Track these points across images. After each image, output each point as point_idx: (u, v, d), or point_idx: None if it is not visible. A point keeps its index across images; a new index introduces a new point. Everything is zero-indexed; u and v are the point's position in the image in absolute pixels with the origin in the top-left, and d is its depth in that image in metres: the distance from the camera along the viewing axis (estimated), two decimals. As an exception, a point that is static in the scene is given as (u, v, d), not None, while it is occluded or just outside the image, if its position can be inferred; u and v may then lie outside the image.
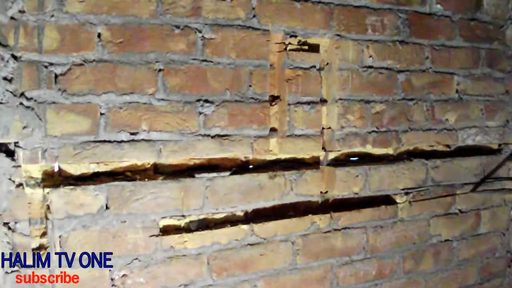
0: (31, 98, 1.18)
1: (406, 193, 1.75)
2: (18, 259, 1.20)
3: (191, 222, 1.41)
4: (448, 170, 1.84)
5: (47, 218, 1.23)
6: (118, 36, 1.27)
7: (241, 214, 1.49)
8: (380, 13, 1.64)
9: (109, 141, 1.27)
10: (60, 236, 1.24)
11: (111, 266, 1.29)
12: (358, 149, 1.66)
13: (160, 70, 1.32)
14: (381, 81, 1.66)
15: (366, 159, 1.70)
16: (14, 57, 1.16)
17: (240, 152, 1.45)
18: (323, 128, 1.59)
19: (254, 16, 1.44)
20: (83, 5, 1.22)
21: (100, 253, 1.28)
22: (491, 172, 1.93)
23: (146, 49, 1.30)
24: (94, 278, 1.28)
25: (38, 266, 1.22)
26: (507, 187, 2.00)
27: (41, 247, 1.23)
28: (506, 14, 1.94)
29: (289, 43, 1.52)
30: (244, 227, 1.46)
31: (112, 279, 1.30)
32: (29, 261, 1.21)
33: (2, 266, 1.20)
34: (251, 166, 1.51)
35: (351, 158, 1.68)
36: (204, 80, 1.38)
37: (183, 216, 1.39)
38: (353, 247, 1.66)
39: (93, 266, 1.27)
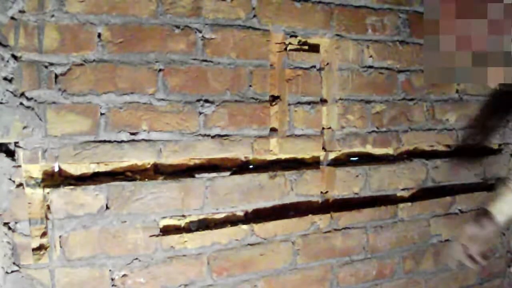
0: (31, 98, 1.18)
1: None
2: (18, 259, 1.20)
3: (191, 222, 1.41)
4: (448, 170, 1.84)
5: (47, 218, 1.23)
6: (118, 36, 1.27)
7: (241, 214, 1.49)
8: (380, 13, 1.64)
9: (109, 141, 1.27)
10: (60, 236, 1.24)
11: (111, 266, 1.30)
12: (358, 149, 1.66)
13: (160, 70, 1.32)
14: (381, 81, 1.66)
15: (366, 159, 1.70)
16: (14, 57, 1.16)
17: (240, 152, 1.45)
18: (323, 128, 1.59)
19: (254, 16, 1.44)
20: (83, 5, 1.22)
21: (100, 253, 1.28)
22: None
23: (146, 49, 1.30)
24: (94, 278, 1.28)
25: (38, 266, 1.22)
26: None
27: (41, 247, 1.23)
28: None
29: (289, 43, 1.52)
30: (244, 227, 1.46)
31: (112, 279, 1.30)
32: (29, 261, 1.21)
33: (2, 266, 1.20)
34: (251, 166, 1.51)
35: (351, 158, 1.68)
36: (204, 80, 1.38)
37: (183, 216, 1.39)
38: (353, 247, 1.66)
39: (93, 266, 1.28)
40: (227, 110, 1.41)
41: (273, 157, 1.54)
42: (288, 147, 1.52)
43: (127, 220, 1.31)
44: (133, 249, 1.32)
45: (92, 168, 1.30)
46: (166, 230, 1.37)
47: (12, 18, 1.16)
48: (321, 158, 1.62)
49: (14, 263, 1.20)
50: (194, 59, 1.36)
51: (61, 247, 1.24)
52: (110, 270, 1.30)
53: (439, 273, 1.86)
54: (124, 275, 1.31)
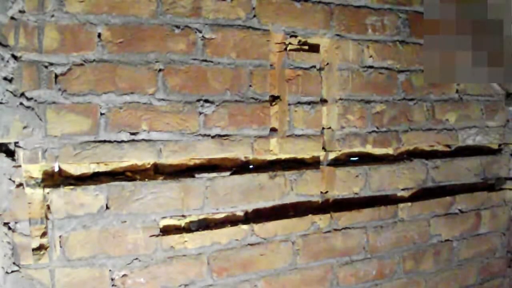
0: (31, 98, 1.18)
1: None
2: (18, 259, 1.20)
3: (191, 222, 1.41)
4: (448, 170, 1.84)
5: (47, 218, 1.23)
6: (118, 36, 1.27)
7: (241, 214, 1.49)
8: (380, 13, 1.64)
9: (109, 141, 1.27)
10: (60, 236, 1.24)
11: (111, 266, 1.30)
12: (358, 149, 1.66)
13: (160, 70, 1.32)
14: (381, 81, 1.66)
15: (366, 159, 1.70)
16: (14, 57, 1.16)
17: (240, 152, 1.45)
18: (323, 128, 1.59)
19: (254, 16, 1.44)
20: (83, 5, 1.22)
21: (100, 253, 1.28)
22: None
23: (146, 49, 1.30)
24: (94, 278, 1.28)
25: (38, 266, 1.22)
26: (507, 187, 2.00)
27: (41, 247, 1.24)
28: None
29: (289, 43, 1.52)
30: (244, 227, 1.46)
31: (112, 279, 1.30)
32: (29, 261, 1.21)
33: (2, 266, 1.20)
34: (251, 166, 1.51)
35: (351, 158, 1.68)
36: (204, 80, 1.38)
37: (183, 216, 1.39)
38: (353, 247, 1.66)
39: (93, 266, 1.28)
40: (227, 110, 1.41)
41: (273, 157, 1.54)
42: (288, 147, 1.52)
43: (127, 220, 1.31)
44: (133, 249, 1.32)
45: (92, 168, 1.30)
46: (166, 230, 1.37)
47: (12, 18, 1.16)
48: (321, 158, 1.62)
49: (14, 263, 1.20)
50: (194, 59, 1.36)
51: (61, 247, 1.24)
52: (110, 270, 1.30)
53: (439, 273, 1.86)
54: (124, 275, 1.31)
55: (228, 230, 1.44)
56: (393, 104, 1.69)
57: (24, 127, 1.18)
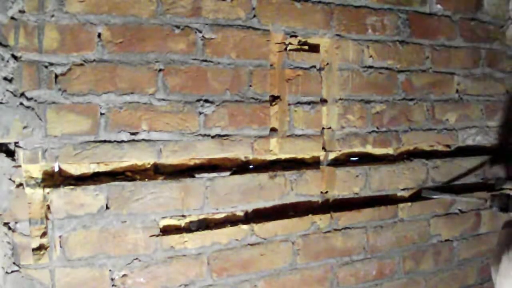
0: (31, 98, 1.18)
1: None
2: (18, 259, 1.20)
3: (191, 222, 1.41)
4: (448, 170, 1.84)
5: (47, 218, 1.23)
6: (118, 36, 1.27)
7: (241, 214, 1.49)
8: (380, 13, 1.64)
9: (109, 141, 1.27)
10: (60, 236, 1.24)
11: (111, 266, 1.30)
12: (358, 149, 1.66)
13: (160, 70, 1.32)
14: (381, 81, 1.66)
15: (366, 159, 1.70)
16: (14, 57, 1.16)
17: (240, 152, 1.45)
18: (323, 128, 1.59)
19: (254, 16, 1.44)
20: (83, 5, 1.22)
21: (100, 253, 1.28)
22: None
23: (146, 49, 1.30)
24: (94, 278, 1.28)
25: (38, 266, 1.22)
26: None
27: (41, 247, 1.24)
28: (506, 14, 1.94)
29: (289, 43, 1.52)
30: (244, 227, 1.46)
31: (112, 279, 1.30)
32: (29, 261, 1.21)
33: (2, 266, 1.20)
34: (251, 166, 1.51)
35: (351, 158, 1.68)
36: (204, 80, 1.38)
37: (183, 216, 1.39)
38: (353, 247, 1.66)
39: (93, 266, 1.28)
40: (227, 110, 1.41)
41: (273, 157, 1.54)
42: (288, 147, 1.52)
43: (127, 220, 1.31)
44: (133, 249, 1.32)
45: (92, 168, 1.30)
46: (166, 230, 1.37)
47: (12, 18, 1.16)
48: (321, 158, 1.62)
49: (14, 263, 1.20)
50: (194, 59, 1.36)
51: (61, 247, 1.24)
52: (110, 270, 1.30)
53: (439, 273, 1.86)
54: (124, 275, 1.31)
55: (228, 230, 1.44)
56: (393, 104, 1.69)
57: (24, 127, 1.18)
